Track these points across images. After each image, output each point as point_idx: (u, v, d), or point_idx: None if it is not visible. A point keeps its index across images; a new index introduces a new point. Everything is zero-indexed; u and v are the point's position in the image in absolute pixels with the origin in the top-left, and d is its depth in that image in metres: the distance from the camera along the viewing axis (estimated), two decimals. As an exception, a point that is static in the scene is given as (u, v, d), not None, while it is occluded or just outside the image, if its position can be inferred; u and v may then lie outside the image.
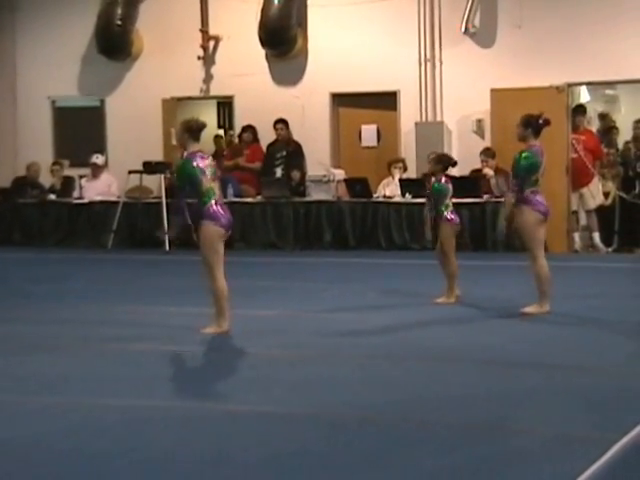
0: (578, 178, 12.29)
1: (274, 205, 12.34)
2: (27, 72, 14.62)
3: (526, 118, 7.70)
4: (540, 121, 7.68)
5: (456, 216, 8.49)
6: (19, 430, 4.95)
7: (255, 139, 13.42)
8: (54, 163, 14.00)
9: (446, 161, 8.63)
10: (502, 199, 11.77)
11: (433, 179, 8.60)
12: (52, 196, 13.58)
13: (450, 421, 4.99)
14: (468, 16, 12.65)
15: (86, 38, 14.15)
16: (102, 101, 14.42)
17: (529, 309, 7.64)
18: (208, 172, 7.00)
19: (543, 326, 7.46)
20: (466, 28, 12.65)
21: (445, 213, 8.37)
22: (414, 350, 6.68)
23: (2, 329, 7.63)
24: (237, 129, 13.76)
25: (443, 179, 8.43)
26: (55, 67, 14.38)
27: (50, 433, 4.89)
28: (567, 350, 6.65)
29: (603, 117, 13.97)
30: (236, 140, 13.84)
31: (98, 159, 13.53)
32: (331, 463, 4.40)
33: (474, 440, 4.70)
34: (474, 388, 5.66)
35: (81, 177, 13.67)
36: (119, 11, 13.72)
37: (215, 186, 7.05)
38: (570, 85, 12.48)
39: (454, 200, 11.73)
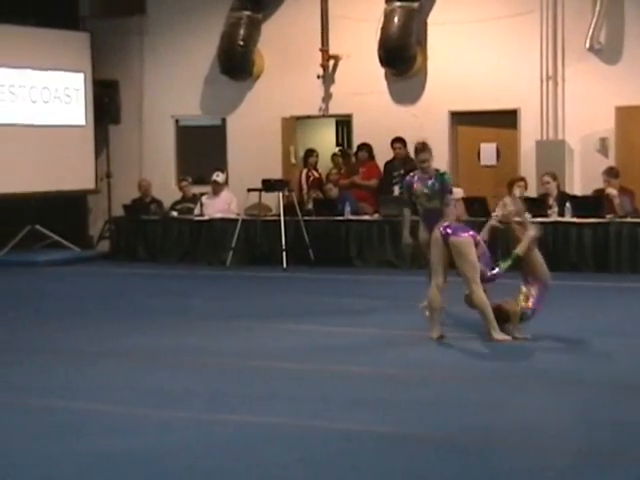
0: None
1: (391, 223, 12.29)
2: (153, 92, 15.05)
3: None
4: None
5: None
6: (142, 443, 5.06)
7: (371, 157, 13.45)
8: (182, 179, 14.32)
9: None
10: (627, 219, 11.47)
11: None
12: (174, 213, 13.89)
13: (569, 448, 4.85)
14: (593, 32, 12.38)
15: (209, 59, 14.48)
16: (223, 120, 14.70)
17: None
18: None
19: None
20: (591, 44, 12.38)
21: None
22: (529, 372, 6.54)
23: (126, 342, 7.83)
24: (355, 147, 13.80)
25: None
26: (179, 87, 14.77)
27: (170, 447, 4.98)
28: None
29: None
30: (352, 158, 13.91)
31: (219, 177, 13.76)
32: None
33: (594, 469, 4.55)
34: (593, 413, 5.49)
35: (202, 194, 13.94)
36: (242, 32, 13.98)
37: None
38: (700, 102, 12.06)
39: (576, 220, 11.63)
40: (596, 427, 5.24)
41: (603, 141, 12.55)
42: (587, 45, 12.41)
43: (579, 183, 12.65)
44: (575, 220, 11.60)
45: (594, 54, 12.51)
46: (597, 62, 12.55)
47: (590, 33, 12.38)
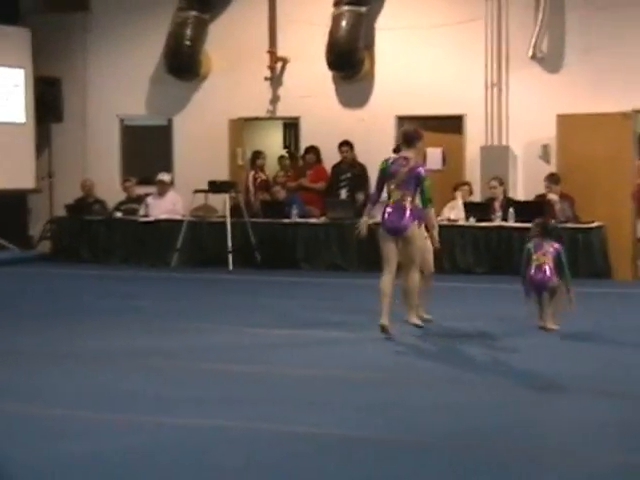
0: (644, 205, 12.12)
1: (338, 226, 12.36)
2: (97, 91, 14.88)
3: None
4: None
5: None
6: (88, 446, 4.98)
7: (318, 160, 13.49)
8: (126, 180, 14.20)
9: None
10: (567, 224, 11.69)
11: None
12: (118, 214, 13.75)
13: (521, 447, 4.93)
14: (536, 41, 12.60)
15: (155, 58, 14.38)
16: (170, 120, 14.61)
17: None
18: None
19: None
20: (533, 53, 12.60)
21: None
22: (486, 373, 6.63)
23: (70, 345, 7.74)
24: (303, 150, 13.82)
25: None
26: (125, 86, 14.63)
27: (115, 451, 4.90)
28: None
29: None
30: (300, 161, 13.94)
31: (165, 177, 13.69)
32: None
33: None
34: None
35: (147, 195, 13.83)
36: (188, 32, 13.91)
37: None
38: (638, 112, 12.32)
39: (520, 225, 11.81)
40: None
41: (545, 148, 12.77)
42: (530, 53, 12.62)
43: (522, 188, 12.85)
44: (518, 225, 11.79)
45: (537, 62, 12.72)
46: (539, 70, 12.77)
47: (533, 42, 12.60)
